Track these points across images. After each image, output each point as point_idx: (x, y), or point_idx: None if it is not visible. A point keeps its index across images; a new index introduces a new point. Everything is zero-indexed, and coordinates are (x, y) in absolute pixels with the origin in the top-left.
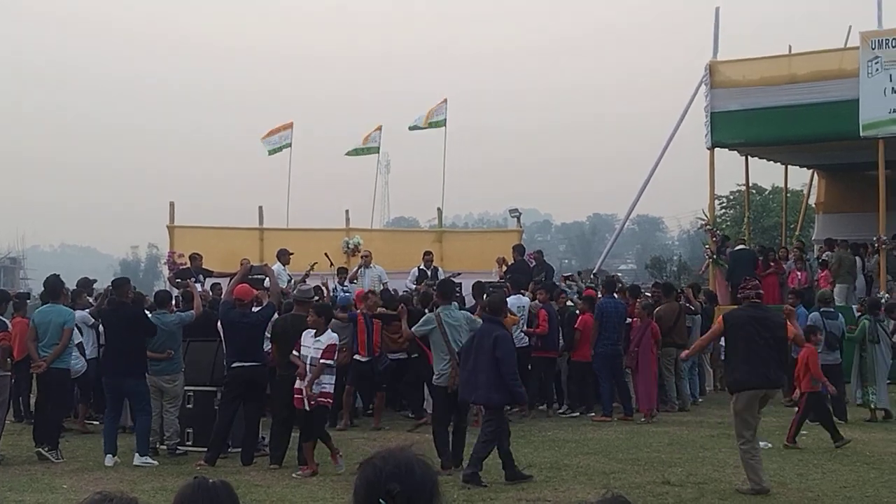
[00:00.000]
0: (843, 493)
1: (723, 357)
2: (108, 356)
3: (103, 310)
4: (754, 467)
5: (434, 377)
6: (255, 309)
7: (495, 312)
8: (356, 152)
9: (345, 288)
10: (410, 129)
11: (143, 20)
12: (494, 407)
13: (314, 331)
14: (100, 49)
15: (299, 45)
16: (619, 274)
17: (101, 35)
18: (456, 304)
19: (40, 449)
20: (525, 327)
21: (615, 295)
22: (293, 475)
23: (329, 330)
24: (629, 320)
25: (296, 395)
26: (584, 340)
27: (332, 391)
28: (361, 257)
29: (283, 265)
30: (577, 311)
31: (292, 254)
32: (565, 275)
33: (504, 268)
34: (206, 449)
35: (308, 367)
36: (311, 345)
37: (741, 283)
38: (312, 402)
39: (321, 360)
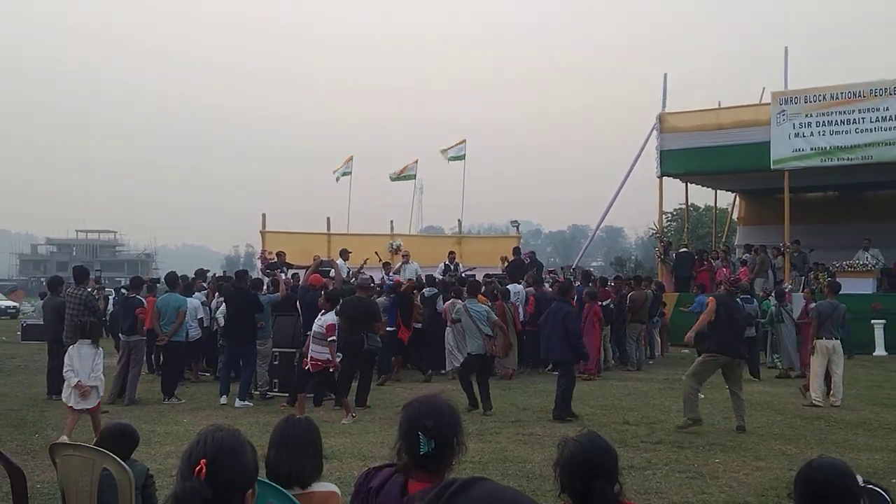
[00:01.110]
0: (757, 432)
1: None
2: (231, 325)
3: (228, 291)
4: (692, 403)
5: (468, 350)
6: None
7: (564, 294)
8: (398, 178)
9: (389, 278)
10: (450, 160)
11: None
12: (565, 363)
13: (322, 311)
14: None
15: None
16: (591, 269)
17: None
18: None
19: (165, 399)
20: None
21: (590, 284)
22: (342, 421)
23: (332, 312)
24: (603, 303)
25: (305, 361)
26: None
27: (329, 359)
28: (402, 255)
29: (345, 260)
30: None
31: (351, 252)
32: (549, 269)
33: (506, 264)
34: (287, 394)
35: (311, 338)
36: (317, 322)
37: (732, 278)
38: (318, 365)
39: (329, 339)
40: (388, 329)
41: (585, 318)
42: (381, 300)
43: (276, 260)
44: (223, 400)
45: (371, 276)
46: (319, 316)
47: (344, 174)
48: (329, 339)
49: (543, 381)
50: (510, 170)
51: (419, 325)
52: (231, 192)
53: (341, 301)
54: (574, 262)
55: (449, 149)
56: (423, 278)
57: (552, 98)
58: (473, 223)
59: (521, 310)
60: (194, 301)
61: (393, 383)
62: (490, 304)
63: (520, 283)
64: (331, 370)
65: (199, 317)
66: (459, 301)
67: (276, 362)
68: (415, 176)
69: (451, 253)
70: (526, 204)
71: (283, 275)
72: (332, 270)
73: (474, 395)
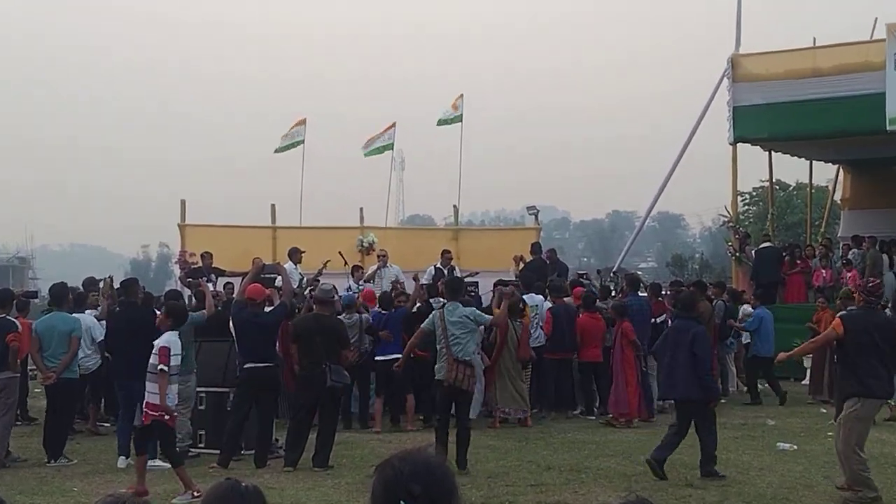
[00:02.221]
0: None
1: (747, 355)
2: (119, 359)
3: (113, 311)
4: (867, 481)
5: (436, 373)
6: (267, 309)
7: (688, 309)
8: (371, 152)
9: (360, 286)
10: (439, 123)
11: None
12: (696, 402)
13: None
14: (108, 31)
15: (311, 28)
16: (639, 272)
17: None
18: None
19: (51, 461)
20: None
21: (640, 293)
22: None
23: (169, 333)
24: (658, 319)
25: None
26: (588, 341)
27: (162, 403)
28: (378, 257)
29: (295, 264)
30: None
31: (304, 252)
32: (579, 272)
33: (521, 266)
34: (218, 451)
35: (148, 373)
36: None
37: (868, 283)
38: (149, 417)
39: (159, 367)
40: (381, 357)
41: (614, 343)
42: (359, 316)
43: (200, 264)
44: (121, 463)
45: (334, 286)
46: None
47: (292, 145)
48: (159, 367)
49: (572, 427)
50: (525, 140)
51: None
52: (139, 174)
53: (294, 321)
54: (616, 262)
55: (453, 107)
56: (423, 288)
57: (584, 42)
58: (475, 211)
59: (538, 329)
60: (87, 318)
61: (363, 433)
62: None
63: (537, 293)
64: (166, 418)
65: (97, 339)
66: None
67: (201, 407)
68: (392, 146)
69: (446, 252)
70: (547, 184)
71: (210, 285)
72: (279, 278)
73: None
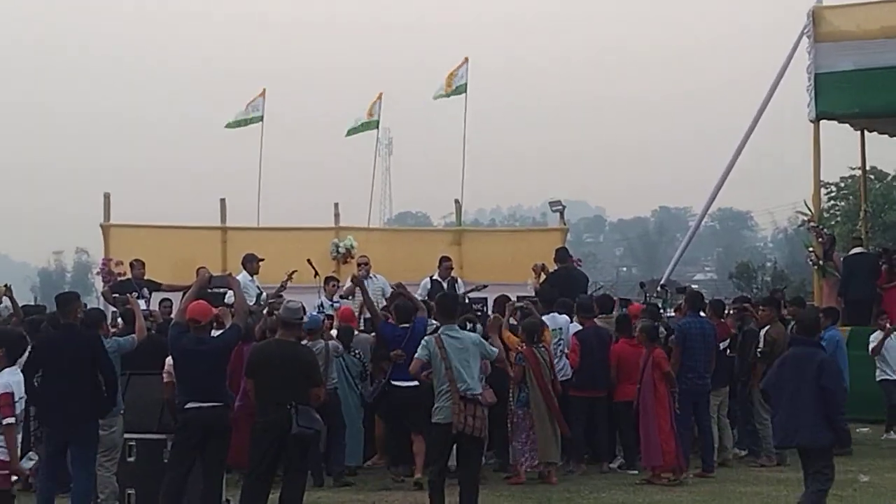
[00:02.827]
0: None
1: None
2: (52, 397)
3: (45, 337)
4: None
5: (433, 414)
6: (214, 333)
7: (810, 332)
8: (355, 130)
9: (334, 303)
10: (436, 98)
11: None
12: (823, 449)
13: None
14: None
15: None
16: (695, 286)
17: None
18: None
19: None
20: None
21: (701, 313)
22: None
23: (8, 371)
24: (722, 345)
25: None
26: (624, 376)
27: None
28: (359, 266)
29: (252, 275)
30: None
31: (262, 260)
32: (619, 297)
33: (542, 278)
34: None
35: None
36: None
37: None
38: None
39: (4, 421)
40: (399, 383)
41: (643, 374)
42: (325, 344)
43: (128, 275)
44: None
45: (302, 305)
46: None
47: (247, 121)
48: (4, 421)
49: (608, 485)
50: (548, 118)
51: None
52: (52, 161)
53: (251, 350)
54: (664, 273)
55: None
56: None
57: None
58: (483, 208)
59: (563, 359)
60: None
61: (338, 491)
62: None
63: (562, 313)
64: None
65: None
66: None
67: (130, 458)
68: (376, 123)
69: (445, 260)
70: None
71: (141, 301)
72: (230, 293)
73: None
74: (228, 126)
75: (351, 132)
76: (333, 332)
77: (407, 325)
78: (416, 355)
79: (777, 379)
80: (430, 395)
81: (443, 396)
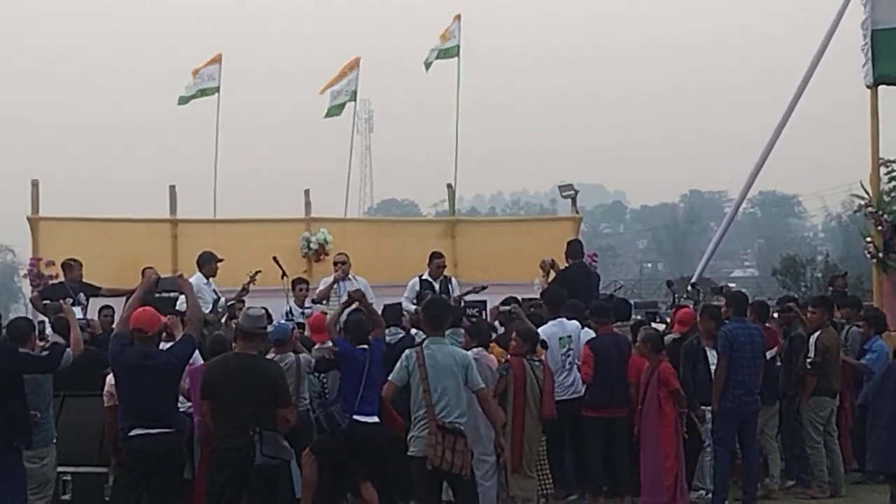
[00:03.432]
0: None
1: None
2: None
3: None
4: None
5: (409, 443)
6: (163, 345)
7: None
8: (335, 110)
9: (304, 309)
10: (427, 65)
11: None
12: None
13: None
14: None
15: None
16: (733, 284)
17: None
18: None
19: None
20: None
21: (745, 317)
22: None
23: None
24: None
25: None
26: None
27: None
28: (335, 265)
29: (207, 277)
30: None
31: (221, 260)
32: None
33: (550, 276)
34: None
35: None
36: None
37: None
38: None
39: None
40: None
41: (646, 391)
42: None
43: (61, 279)
44: None
45: (265, 310)
46: None
47: (200, 93)
48: None
49: None
50: (556, 86)
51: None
52: None
53: (206, 366)
54: (696, 269)
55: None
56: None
57: None
58: (482, 193)
59: (573, 373)
60: None
61: None
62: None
63: (571, 318)
64: None
65: None
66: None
67: (65, 496)
68: (353, 96)
69: (436, 256)
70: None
71: (77, 309)
72: (182, 298)
73: None
74: (181, 102)
75: (332, 113)
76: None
77: (364, 346)
78: (391, 375)
79: (877, 394)
80: (389, 436)
81: (419, 424)
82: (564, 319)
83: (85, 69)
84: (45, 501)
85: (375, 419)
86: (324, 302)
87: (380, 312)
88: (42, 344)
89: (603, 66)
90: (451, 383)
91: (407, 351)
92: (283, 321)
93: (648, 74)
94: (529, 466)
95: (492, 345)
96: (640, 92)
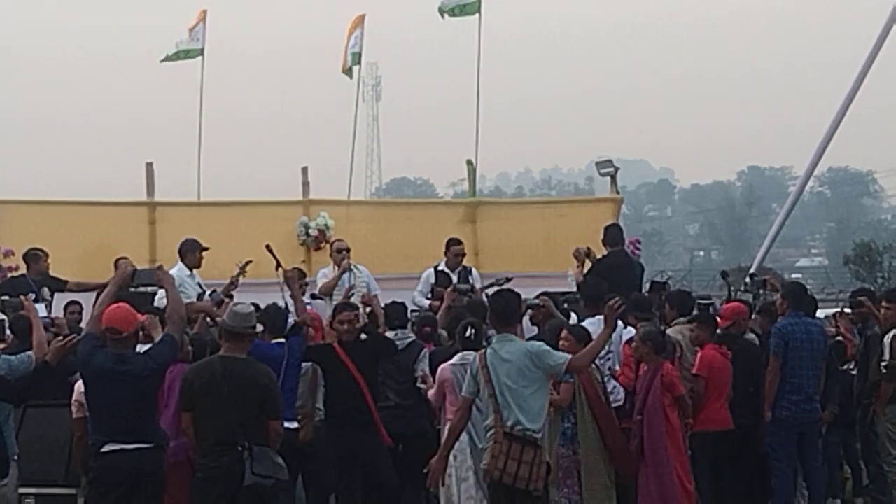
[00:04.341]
0: None
1: None
2: None
3: None
4: None
5: (482, 464)
6: (140, 348)
7: None
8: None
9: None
10: (443, 13)
11: None
12: None
13: None
14: None
15: None
16: (797, 275)
17: None
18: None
19: None
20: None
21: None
22: None
23: None
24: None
25: None
26: (713, 395)
27: None
28: (338, 251)
29: (191, 268)
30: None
31: (206, 248)
32: (698, 295)
33: (585, 267)
34: None
35: None
36: None
37: None
38: None
39: None
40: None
41: (647, 399)
42: None
43: (21, 273)
44: None
45: (253, 307)
46: None
47: (183, 54)
48: None
49: None
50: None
51: None
52: None
53: (187, 372)
54: (756, 258)
55: None
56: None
57: None
58: (507, 171)
59: (611, 379)
60: None
61: None
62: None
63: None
64: None
65: None
66: (470, 353)
67: None
68: (358, 58)
69: (454, 244)
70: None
71: (40, 306)
72: (161, 293)
73: None
74: (167, 59)
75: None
76: None
77: (281, 340)
78: (464, 389)
79: None
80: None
81: (488, 433)
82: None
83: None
84: None
85: (294, 424)
86: (328, 297)
87: (384, 310)
88: (1, 346)
89: (652, 28)
90: (521, 384)
91: (470, 356)
92: (292, 320)
93: (701, 39)
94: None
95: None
96: (692, 55)
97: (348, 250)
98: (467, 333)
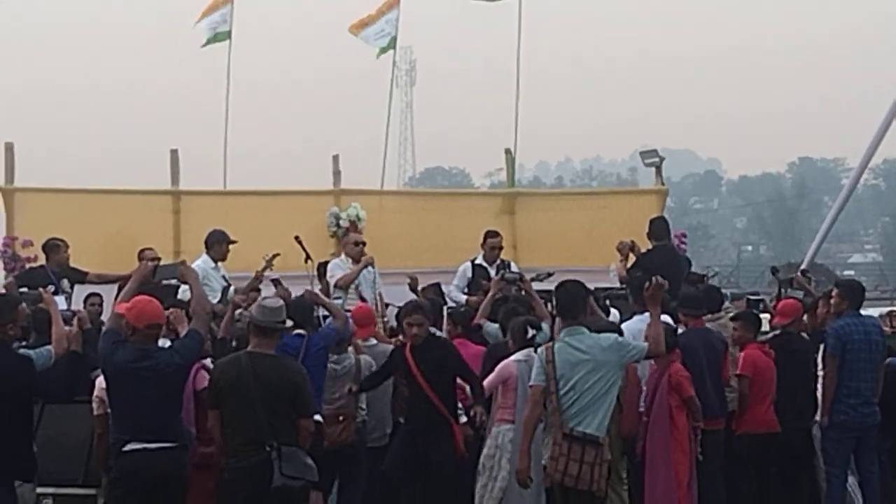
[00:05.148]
0: None
1: None
2: None
3: None
4: None
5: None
6: (162, 342)
7: None
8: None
9: (335, 299)
10: None
11: None
12: None
13: None
14: None
15: None
16: (850, 272)
17: None
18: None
19: None
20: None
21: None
22: None
23: None
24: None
25: None
26: (757, 396)
27: None
28: (356, 244)
29: (216, 261)
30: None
31: (234, 242)
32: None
33: (629, 261)
34: None
35: None
36: None
37: None
38: None
39: None
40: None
41: (654, 399)
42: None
43: (41, 263)
44: None
45: (285, 301)
46: None
47: (214, 38)
48: None
49: None
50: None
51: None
52: None
53: (214, 369)
54: (807, 254)
55: None
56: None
57: None
58: (546, 160)
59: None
60: None
61: None
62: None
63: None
64: None
65: None
66: (532, 352)
67: None
68: (393, 42)
69: (491, 236)
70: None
71: (60, 298)
72: (185, 287)
73: None
74: (207, 43)
75: (383, 50)
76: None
77: (302, 332)
78: (533, 378)
79: None
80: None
81: (549, 431)
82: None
83: (64, 18)
84: None
85: (318, 418)
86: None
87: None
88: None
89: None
90: (589, 382)
91: (534, 357)
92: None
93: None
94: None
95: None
96: (739, 46)
97: (364, 244)
98: (529, 335)
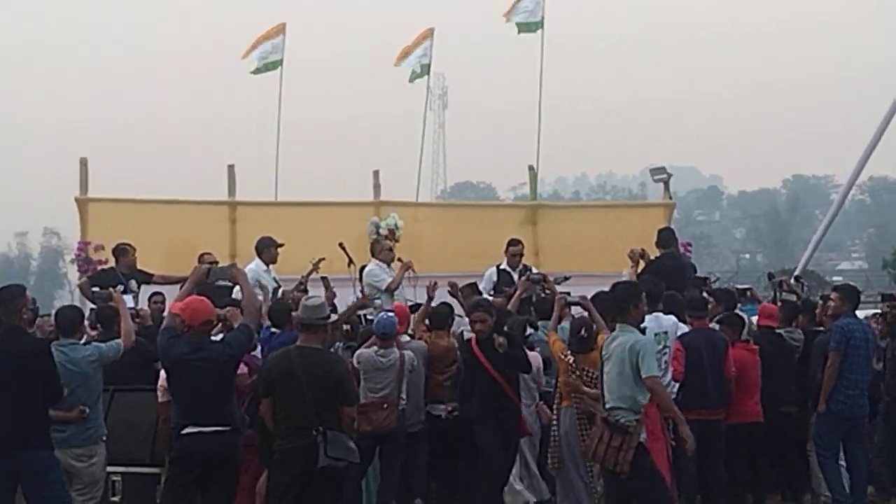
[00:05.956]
0: None
1: None
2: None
3: None
4: None
5: None
6: (216, 337)
7: None
8: (419, 74)
9: (375, 300)
10: (519, 25)
11: None
12: None
13: None
14: None
15: None
16: (838, 278)
17: None
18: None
19: None
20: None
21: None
22: None
23: None
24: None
25: None
26: (744, 390)
27: None
28: (388, 250)
29: (267, 264)
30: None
31: (282, 245)
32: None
33: (640, 266)
34: None
35: None
36: None
37: None
38: None
39: None
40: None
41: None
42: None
43: (111, 265)
44: None
45: (327, 301)
46: None
47: (266, 66)
48: None
49: None
50: (644, 59)
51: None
52: (11, 118)
53: (267, 361)
54: (799, 262)
55: (513, 7)
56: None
57: None
58: (565, 176)
59: (667, 373)
60: None
61: None
62: None
63: (667, 313)
64: None
65: None
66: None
67: (115, 497)
68: (427, 69)
69: (513, 244)
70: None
71: (129, 297)
72: (237, 288)
73: None
74: (257, 71)
75: (415, 77)
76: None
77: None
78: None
79: None
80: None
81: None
82: (660, 314)
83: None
84: (94, 503)
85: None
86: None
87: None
88: (94, 334)
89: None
90: (615, 374)
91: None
92: (387, 314)
93: (749, 55)
94: None
95: (555, 338)
96: (740, 72)
97: (392, 247)
98: (582, 333)
